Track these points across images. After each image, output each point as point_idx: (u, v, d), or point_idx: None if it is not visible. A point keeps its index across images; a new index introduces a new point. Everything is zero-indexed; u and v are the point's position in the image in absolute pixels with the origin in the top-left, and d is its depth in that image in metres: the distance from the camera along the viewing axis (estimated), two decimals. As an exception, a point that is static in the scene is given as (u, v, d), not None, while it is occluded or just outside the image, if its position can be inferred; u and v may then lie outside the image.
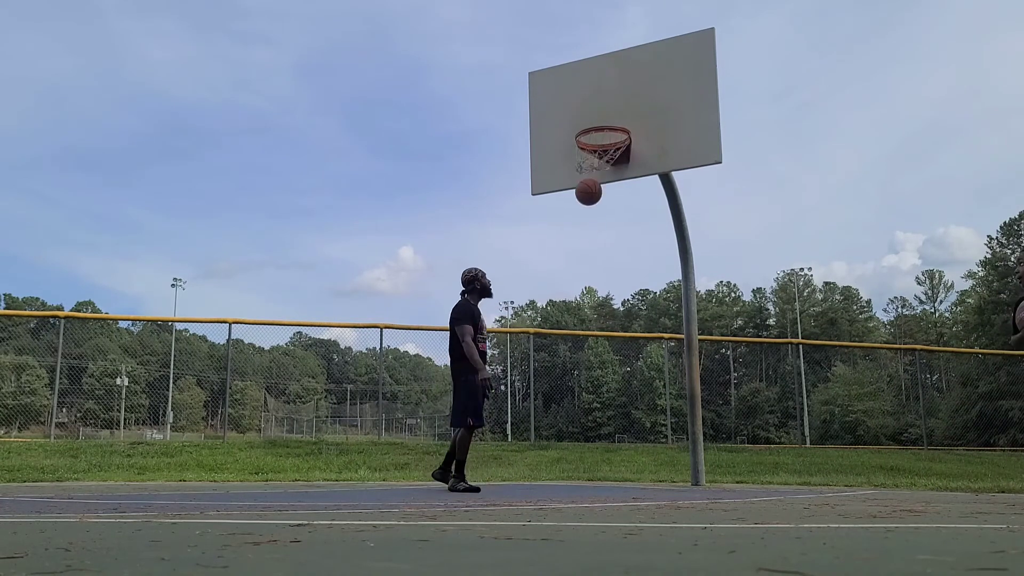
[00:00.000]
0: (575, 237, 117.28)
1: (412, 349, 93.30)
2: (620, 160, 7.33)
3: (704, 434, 7.85)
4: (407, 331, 17.49)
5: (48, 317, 23.93)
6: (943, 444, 29.68)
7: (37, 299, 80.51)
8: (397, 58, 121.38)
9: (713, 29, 7.18)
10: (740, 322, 78.99)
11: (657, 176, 7.43)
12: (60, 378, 14.66)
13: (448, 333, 6.54)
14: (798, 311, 67.95)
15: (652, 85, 7.34)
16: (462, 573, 1.60)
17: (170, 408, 46.67)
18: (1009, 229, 50.04)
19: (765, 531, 2.64)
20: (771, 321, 78.08)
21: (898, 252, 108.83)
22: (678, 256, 7.82)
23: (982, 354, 38.19)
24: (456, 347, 6.43)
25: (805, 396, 19.54)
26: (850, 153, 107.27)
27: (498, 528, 2.66)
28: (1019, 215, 49.74)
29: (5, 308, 73.78)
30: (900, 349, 32.97)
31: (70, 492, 5.82)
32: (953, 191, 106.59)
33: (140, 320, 70.49)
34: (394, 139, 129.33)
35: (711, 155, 7.02)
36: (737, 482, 8.33)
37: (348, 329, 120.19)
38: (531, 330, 22.11)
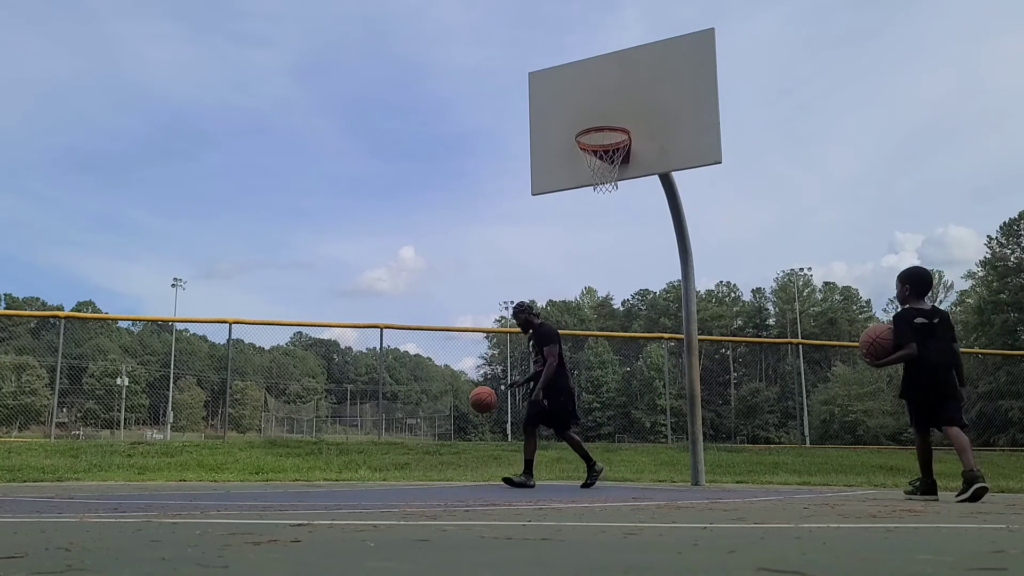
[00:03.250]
0: (575, 237, 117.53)
1: (412, 349, 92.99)
2: (620, 160, 7.33)
3: (704, 434, 7.86)
4: (407, 331, 17.53)
5: (48, 317, 23.90)
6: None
7: (37, 299, 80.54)
8: (395, 59, 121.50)
9: (713, 29, 7.18)
10: (740, 322, 79.10)
11: (657, 176, 7.43)
12: (60, 378, 14.68)
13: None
14: (798, 311, 68.02)
15: (652, 85, 7.34)
16: (462, 573, 1.60)
17: (170, 408, 46.68)
18: (1008, 229, 50.14)
19: (765, 531, 2.64)
20: (771, 321, 78.17)
21: (897, 252, 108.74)
22: (678, 256, 7.82)
23: (982, 354, 38.15)
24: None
25: (805, 396, 19.53)
26: (849, 153, 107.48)
27: (498, 528, 2.66)
28: (1019, 215, 49.80)
29: (5, 308, 73.75)
30: (900, 349, 32.86)
31: (70, 492, 5.83)
32: (952, 191, 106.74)
33: (140, 320, 70.54)
34: (393, 139, 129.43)
35: (711, 155, 7.02)
36: (737, 482, 8.33)
37: (348, 329, 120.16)
38: (531, 330, 22.04)
